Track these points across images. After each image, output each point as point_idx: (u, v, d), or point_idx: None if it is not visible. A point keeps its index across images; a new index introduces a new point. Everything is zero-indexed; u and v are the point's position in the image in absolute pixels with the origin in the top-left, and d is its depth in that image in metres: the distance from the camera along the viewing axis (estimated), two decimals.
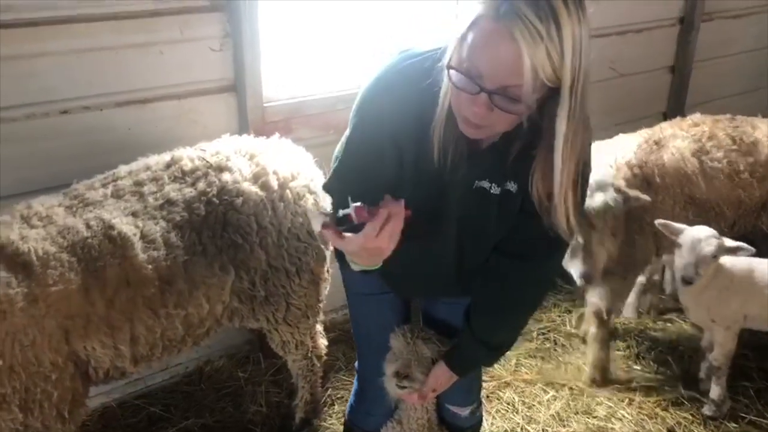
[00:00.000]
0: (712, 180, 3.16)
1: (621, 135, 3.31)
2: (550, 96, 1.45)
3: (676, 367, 3.27)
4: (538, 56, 1.34)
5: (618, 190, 2.83)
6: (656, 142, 3.16)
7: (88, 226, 2.10)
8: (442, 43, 1.53)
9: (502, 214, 1.71)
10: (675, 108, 4.79)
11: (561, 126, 1.45)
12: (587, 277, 2.89)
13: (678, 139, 3.19)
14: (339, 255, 2.09)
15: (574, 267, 2.91)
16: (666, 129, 3.28)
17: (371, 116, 1.67)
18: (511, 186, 1.68)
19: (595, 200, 2.78)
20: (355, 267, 1.65)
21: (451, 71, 1.44)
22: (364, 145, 1.69)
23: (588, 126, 1.56)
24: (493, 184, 1.68)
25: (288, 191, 2.37)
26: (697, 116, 3.44)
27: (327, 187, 1.83)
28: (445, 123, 1.56)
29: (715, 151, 3.19)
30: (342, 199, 1.64)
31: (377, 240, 1.46)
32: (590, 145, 1.66)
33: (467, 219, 1.73)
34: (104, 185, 2.25)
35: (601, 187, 2.81)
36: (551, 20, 1.34)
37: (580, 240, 2.81)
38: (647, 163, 3.09)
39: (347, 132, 1.75)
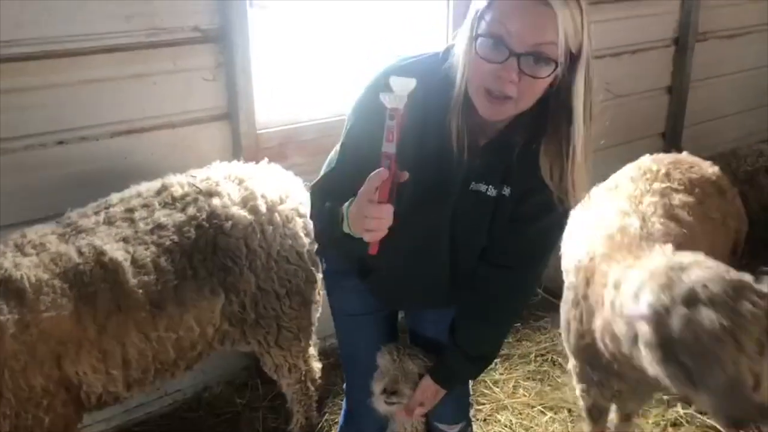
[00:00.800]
0: (712, 232, 2.81)
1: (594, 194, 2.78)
2: (566, 71, 1.51)
3: None
4: (566, 18, 1.44)
5: (756, 292, 2.04)
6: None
7: (80, 253, 2.14)
8: (437, 49, 1.60)
9: (496, 217, 1.74)
10: (673, 128, 4.81)
11: (579, 84, 1.53)
12: (740, 425, 1.91)
13: (655, 195, 2.66)
14: (327, 279, 2.13)
15: (720, 414, 1.93)
16: (637, 182, 2.76)
17: (373, 112, 1.63)
18: (506, 190, 1.71)
19: (741, 308, 1.93)
20: (345, 228, 1.65)
21: (479, 40, 1.48)
22: (364, 143, 1.66)
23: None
24: (490, 186, 1.70)
25: (277, 214, 2.41)
26: (649, 158, 2.99)
27: (315, 188, 1.83)
28: (463, 108, 1.59)
29: (706, 200, 2.80)
30: (325, 200, 1.72)
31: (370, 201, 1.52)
32: None
33: (461, 221, 1.75)
34: (96, 213, 2.29)
35: (739, 290, 2.01)
36: None
37: (724, 375, 1.89)
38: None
39: (343, 135, 1.77)
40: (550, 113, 1.59)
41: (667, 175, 2.82)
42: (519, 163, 1.66)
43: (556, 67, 1.48)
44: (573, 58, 1.50)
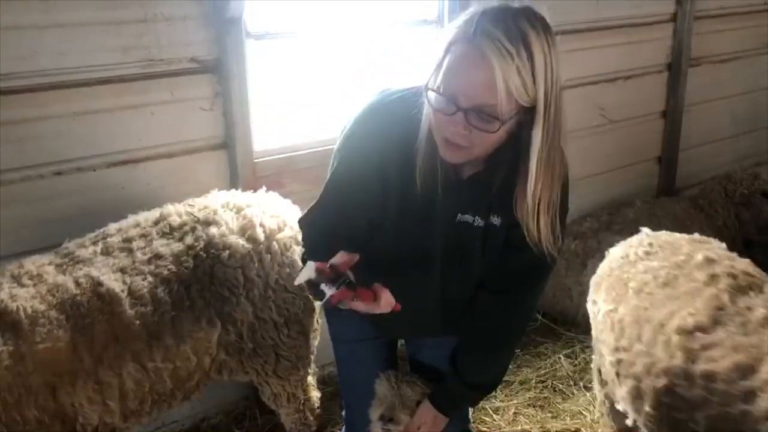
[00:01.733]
0: None
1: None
2: (526, 121, 1.51)
3: None
4: (510, 75, 1.43)
5: None
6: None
7: (78, 284, 2.14)
8: (420, 82, 1.59)
9: (486, 247, 1.75)
10: (669, 152, 4.84)
11: (536, 141, 1.52)
12: None
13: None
14: (326, 305, 2.12)
15: None
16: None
17: (358, 149, 1.71)
18: (495, 220, 1.72)
19: None
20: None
21: (429, 93, 1.51)
22: (350, 179, 1.72)
23: (563, 153, 1.61)
24: (477, 217, 1.72)
25: (275, 243, 2.41)
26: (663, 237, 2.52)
27: (303, 221, 1.85)
28: (425, 148, 1.61)
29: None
30: (315, 235, 1.72)
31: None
32: (566, 172, 1.70)
33: (451, 252, 1.76)
34: (94, 243, 2.29)
35: None
36: (521, 41, 1.43)
37: None
38: None
39: (328, 173, 1.79)
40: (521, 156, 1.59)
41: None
42: (502, 196, 1.67)
43: (503, 123, 1.48)
44: (529, 109, 1.50)
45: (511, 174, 1.63)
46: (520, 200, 1.61)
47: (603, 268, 2.54)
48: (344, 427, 2.24)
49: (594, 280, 2.54)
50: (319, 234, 1.75)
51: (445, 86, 1.49)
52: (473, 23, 1.46)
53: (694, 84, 4.74)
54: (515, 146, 1.57)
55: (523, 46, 1.43)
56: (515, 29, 1.43)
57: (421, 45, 3.50)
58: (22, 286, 2.10)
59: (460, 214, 1.72)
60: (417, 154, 1.62)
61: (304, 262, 1.78)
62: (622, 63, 4.37)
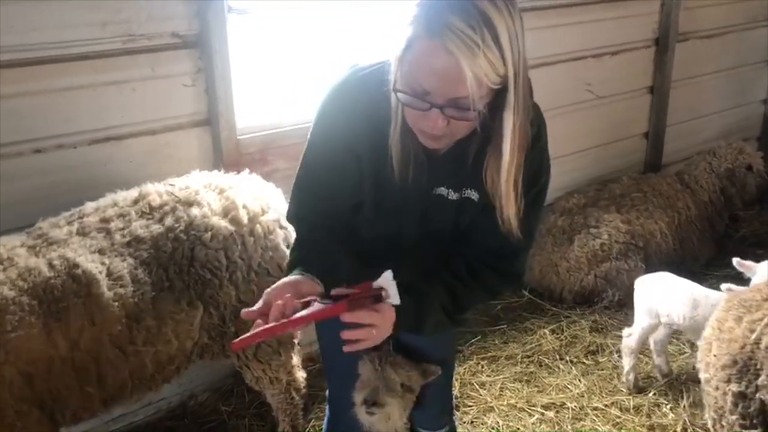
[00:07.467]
0: None
1: None
2: (497, 94, 1.47)
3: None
4: (479, 65, 1.37)
5: None
6: None
7: (51, 266, 2.07)
8: (389, 55, 1.54)
9: (461, 221, 1.73)
10: (656, 128, 4.84)
11: (509, 118, 1.49)
12: None
13: None
14: None
15: None
16: None
17: (328, 129, 1.67)
18: (472, 194, 1.70)
19: None
20: None
21: (398, 93, 1.47)
22: (324, 161, 1.69)
23: (530, 114, 1.57)
24: (450, 191, 1.70)
25: (258, 225, 2.37)
26: None
27: (290, 215, 1.81)
28: (401, 137, 1.58)
29: None
30: (304, 227, 1.69)
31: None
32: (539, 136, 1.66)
33: (428, 225, 1.75)
34: (69, 223, 2.23)
35: None
36: (484, 26, 1.36)
37: None
38: None
39: (303, 154, 1.75)
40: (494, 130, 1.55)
41: None
42: (477, 170, 1.64)
43: (479, 111, 1.44)
44: (503, 90, 1.46)
45: (483, 146, 1.60)
46: (491, 175, 1.59)
47: None
48: (328, 407, 2.24)
49: None
50: (309, 230, 1.74)
51: (413, 85, 1.44)
52: (430, 14, 1.39)
53: (682, 59, 4.72)
54: (485, 119, 1.52)
55: (487, 29, 1.36)
56: (475, 12, 1.36)
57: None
58: None
59: (435, 188, 1.70)
60: (391, 144, 1.59)
61: (291, 266, 1.74)
62: (609, 38, 4.34)
